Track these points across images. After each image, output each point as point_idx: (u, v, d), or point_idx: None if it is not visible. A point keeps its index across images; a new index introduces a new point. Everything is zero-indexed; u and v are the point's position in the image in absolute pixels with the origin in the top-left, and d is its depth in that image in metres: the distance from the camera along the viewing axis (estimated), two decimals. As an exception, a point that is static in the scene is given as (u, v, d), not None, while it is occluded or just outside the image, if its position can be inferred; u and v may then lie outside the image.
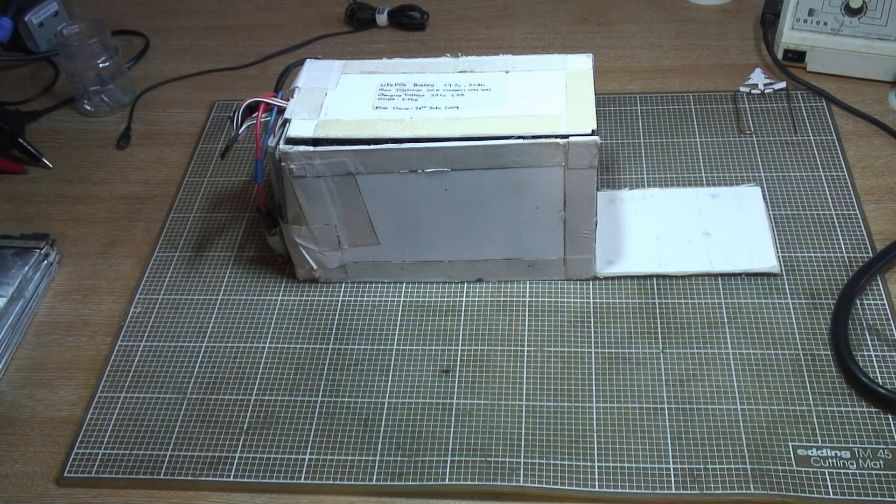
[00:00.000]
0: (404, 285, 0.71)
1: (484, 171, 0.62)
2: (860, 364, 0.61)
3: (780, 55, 0.88)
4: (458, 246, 0.68)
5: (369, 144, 0.61)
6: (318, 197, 0.64)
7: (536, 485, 0.58)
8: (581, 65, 0.66)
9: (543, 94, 0.64)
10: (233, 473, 0.60)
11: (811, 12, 0.85)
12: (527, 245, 0.67)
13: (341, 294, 0.71)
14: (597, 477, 0.58)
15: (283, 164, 0.62)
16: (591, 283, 0.70)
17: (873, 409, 0.60)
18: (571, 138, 0.60)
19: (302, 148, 0.61)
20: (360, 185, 0.63)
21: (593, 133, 0.60)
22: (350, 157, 0.61)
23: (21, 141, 0.87)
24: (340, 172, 0.63)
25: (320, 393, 0.65)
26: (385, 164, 0.62)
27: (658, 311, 0.67)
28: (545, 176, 0.62)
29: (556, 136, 0.60)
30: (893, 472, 0.56)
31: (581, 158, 0.60)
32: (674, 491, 0.57)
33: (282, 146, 0.61)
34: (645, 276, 0.70)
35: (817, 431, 0.59)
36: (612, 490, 0.57)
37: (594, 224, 0.65)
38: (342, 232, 0.67)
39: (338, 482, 0.59)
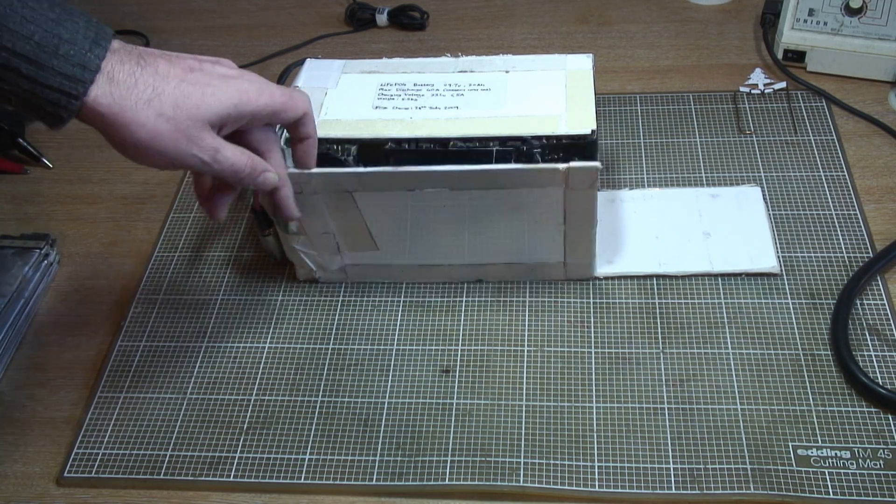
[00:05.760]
0: (404, 286, 0.71)
1: (483, 191, 0.62)
2: (860, 364, 0.61)
3: (780, 55, 0.88)
4: (458, 253, 0.68)
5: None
6: (316, 211, 0.64)
7: (536, 485, 0.58)
8: (581, 65, 0.66)
9: (543, 93, 0.64)
10: (233, 473, 0.60)
11: (811, 12, 0.85)
12: (527, 251, 0.67)
13: (341, 294, 0.71)
14: (597, 477, 0.58)
15: None
16: (590, 283, 0.70)
17: (873, 409, 0.60)
18: (572, 164, 0.58)
19: (297, 171, 0.60)
20: (358, 201, 0.63)
21: (593, 133, 0.60)
22: (346, 178, 0.61)
23: (21, 141, 0.87)
24: (337, 190, 0.62)
25: (320, 393, 0.65)
26: (382, 184, 0.61)
27: (658, 311, 0.67)
28: (545, 195, 0.61)
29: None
30: (893, 472, 0.56)
31: (582, 181, 0.60)
32: (674, 491, 0.57)
33: None
34: (645, 276, 0.70)
35: (817, 431, 0.59)
36: (612, 490, 0.57)
37: (594, 233, 0.65)
38: (341, 240, 0.67)
39: (338, 482, 0.59)
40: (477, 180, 0.61)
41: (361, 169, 0.60)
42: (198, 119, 0.50)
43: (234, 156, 0.53)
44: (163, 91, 0.49)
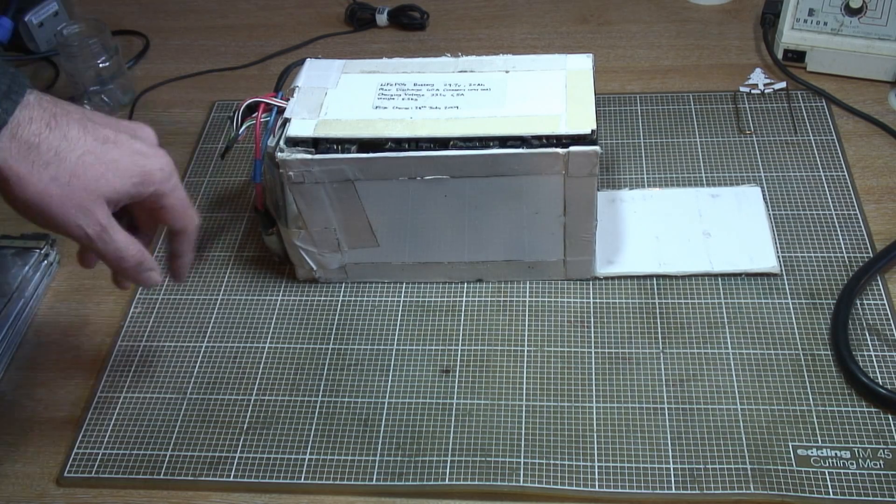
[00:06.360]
0: (404, 285, 0.71)
1: (483, 179, 0.62)
2: (860, 364, 0.61)
3: (780, 55, 0.88)
4: (458, 248, 0.68)
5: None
6: (317, 202, 0.64)
7: (536, 485, 0.58)
8: (581, 65, 0.66)
9: (543, 93, 0.64)
10: (233, 473, 0.60)
11: (811, 12, 0.85)
12: (526, 247, 0.67)
13: (341, 294, 0.71)
14: (597, 477, 0.58)
15: (281, 170, 0.62)
16: (590, 283, 0.70)
17: (873, 409, 0.60)
18: (572, 148, 0.59)
19: (300, 156, 0.61)
20: (359, 190, 0.63)
21: (593, 133, 0.60)
22: (348, 164, 0.61)
23: (21, 141, 0.86)
24: (339, 179, 0.62)
25: (320, 393, 0.65)
26: (384, 171, 0.62)
27: (658, 311, 0.67)
28: (545, 183, 0.62)
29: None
30: (893, 472, 0.56)
31: (581, 167, 0.60)
32: (674, 491, 0.57)
33: (280, 154, 0.61)
34: (645, 276, 0.70)
35: (817, 431, 0.59)
36: (612, 490, 0.57)
37: (594, 228, 0.65)
38: (341, 235, 0.67)
39: (338, 482, 0.59)
40: (477, 166, 0.61)
41: (363, 155, 0.61)
42: (93, 191, 0.49)
43: (123, 242, 0.52)
44: (65, 158, 0.48)
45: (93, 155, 0.49)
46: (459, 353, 0.66)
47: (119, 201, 0.51)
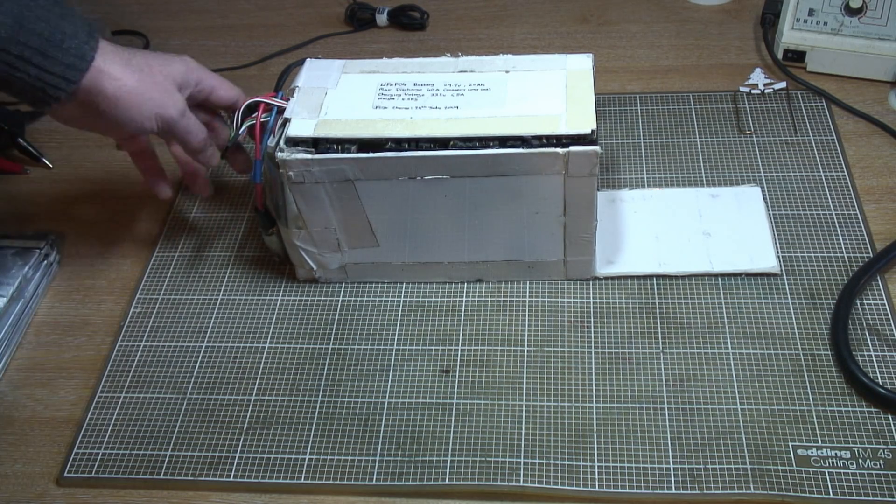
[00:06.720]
0: (404, 285, 0.71)
1: (483, 179, 0.62)
2: (860, 364, 0.61)
3: (780, 55, 0.88)
4: (458, 248, 0.68)
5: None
6: (317, 202, 0.64)
7: (536, 485, 0.58)
8: (581, 65, 0.66)
9: (543, 93, 0.64)
10: (233, 473, 0.60)
11: (811, 12, 0.85)
12: (526, 247, 0.67)
13: (341, 294, 0.71)
14: (597, 477, 0.58)
15: (281, 170, 0.62)
16: (590, 282, 0.70)
17: (873, 409, 0.60)
18: (572, 148, 0.59)
19: (300, 155, 0.61)
20: (359, 190, 0.63)
21: (593, 133, 0.60)
22: (348, 164, 0.61)
23: (21, 141, 0.87)
24: (339, 179, 0.62)
25: (320, 393, 0.65)
26: (384, 171, 0.62)
27: (658, 311, 0.67)
28: (545, 183, 0.62)
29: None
30: (893, 472, 0.56)
31: (581, 167, 0.60)
32: (674, 491, 0.57)
33: (280, 154, 0.61)
34: (645, 276, 0.70)
35: (817, 431, 0.59)
36: (612, 490, 0.57)
37: (594, 228, 0.65)
38: (342, 235, 0.67)
39: (338, 482, 0.59)
40: (477, 166, 0.61)
41: (363, 154, 0.61)
42: (168, 76, 0.61)
43: (196, 121, 0.63)
44: (136, 54, 0.59)
45: (147, 55, 0.61)
46: (459, 353, 0.66)
47: (181, 88, 0.62)
